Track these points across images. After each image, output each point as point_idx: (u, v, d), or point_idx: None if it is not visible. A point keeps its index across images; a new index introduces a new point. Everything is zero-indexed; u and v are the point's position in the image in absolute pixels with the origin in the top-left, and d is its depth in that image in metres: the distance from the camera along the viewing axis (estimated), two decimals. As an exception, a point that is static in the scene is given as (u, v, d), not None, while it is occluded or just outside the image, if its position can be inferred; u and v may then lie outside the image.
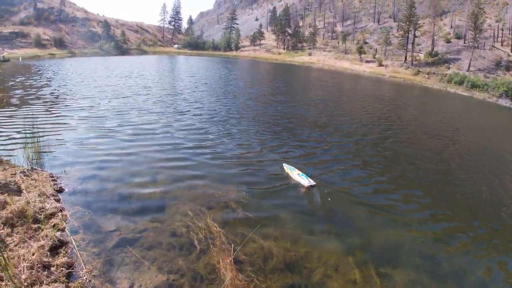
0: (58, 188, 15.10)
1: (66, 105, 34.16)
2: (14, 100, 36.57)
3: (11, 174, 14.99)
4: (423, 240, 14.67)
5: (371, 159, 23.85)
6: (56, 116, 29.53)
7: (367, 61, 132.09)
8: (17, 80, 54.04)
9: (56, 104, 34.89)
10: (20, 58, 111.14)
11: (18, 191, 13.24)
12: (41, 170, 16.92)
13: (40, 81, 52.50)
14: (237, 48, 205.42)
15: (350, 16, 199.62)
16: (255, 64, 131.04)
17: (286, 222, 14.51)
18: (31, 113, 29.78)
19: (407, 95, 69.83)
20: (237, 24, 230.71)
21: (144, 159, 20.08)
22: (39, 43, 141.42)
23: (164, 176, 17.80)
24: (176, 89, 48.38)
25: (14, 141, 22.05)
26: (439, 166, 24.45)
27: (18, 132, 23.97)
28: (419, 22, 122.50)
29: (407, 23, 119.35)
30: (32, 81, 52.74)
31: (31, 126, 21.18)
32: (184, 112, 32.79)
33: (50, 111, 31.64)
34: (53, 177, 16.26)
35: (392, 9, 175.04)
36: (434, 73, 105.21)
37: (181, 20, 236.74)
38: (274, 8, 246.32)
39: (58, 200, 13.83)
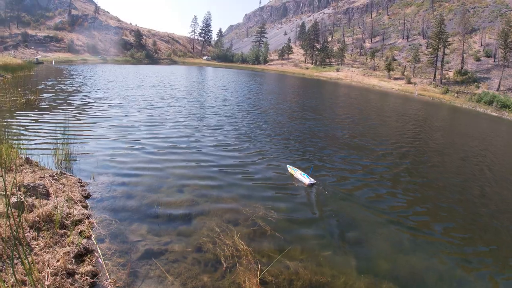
0: (86, 194, 15.00)
1: (97, 112, 34.48)
2: (45, 103, 37.37)
3: (40, 177, 14.96)
4: (454, 270, 13.84)
5: (406, 185, 22.60)
6: (86, 123, 29.74)
7: (396, 78, 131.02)
8: (50, 83, 55.84)
9: (86, 110, 35.33)
10: (53, 62, 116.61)
11: (46, 195, 13.13)
12: (70, 175, 16.86)
13: (72, 86, 53.93)
14: (265, 61, 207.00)
15: (379, 33, 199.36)
16: (283, 78, 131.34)
17: (312, 244, 13.90)
18: (61, 117, 30.31)
19: (437, 114, 68.16)
20: (266, 38, 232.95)
21: (172, 171, 19.78)
22: (72, 48, 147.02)
23: (191, 190, 17.48)
24: (208, 102, 48.14)
25: (44, 143, 22.25)
26: (476, 193, 23.04)
27: (48, 135, 24.23)
28: (448, 40, 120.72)
29: (437, 40, 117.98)
30: (64, 85, 54.30)
31: (61, 130, 21.30)
32: (214, 127, 32.27)
33: (80, 117, 31.99)
34: (81, 182, 16.18)
35: (421, 26, 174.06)
36: (463, 92, 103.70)
37: (211, 32, 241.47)
38: (303, 23, 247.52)
39: (85, 207, 13.68)
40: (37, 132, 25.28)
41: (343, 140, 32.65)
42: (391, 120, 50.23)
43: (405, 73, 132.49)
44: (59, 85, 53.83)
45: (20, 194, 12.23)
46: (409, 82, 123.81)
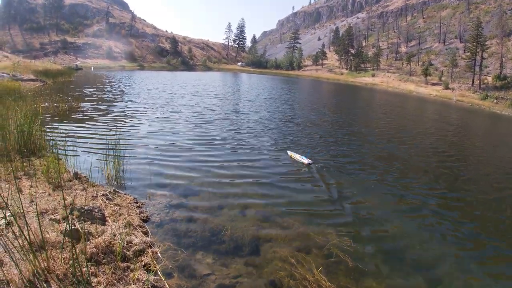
0: (145, 217, 13.41)
1: (144, 124, 33.13)
2: (88, 111, 36.96)
3: (92, 196, 13.57)
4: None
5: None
6: (133, 134, 28.46)
7: (433, 84, 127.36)
8: (90, 90, 56.80)
9: (132, 121, 34.15)
10: (92, 68, 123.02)
11: (102, 219, 11.52)
12: (124, 194, 15.35)
13: (114, 94, 54.23)
14: (299, 67, 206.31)
15: (415, 37, 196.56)
16: (319, 85, 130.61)
17: (397, 278, 12.33)
18: (106, 127, 29.55)
19: (483, 124, 64.38)
20: (300, 43, 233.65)
21: (232, 190, 17.99)
22: (110, 55, 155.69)
23: (254, 212, 15.73)
24: (258, 115, 44.26)
25: (90, 155, 21.16)
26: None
27: (95, 146, 23.30)
28: (486, 43, 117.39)
29: (474, 44, 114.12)
30: (105, 93, 54.82)
31: (107, 142, 20.04)
32: (271, 144, 29.19)
33: (126, 128, 30.73)
34: (137, 203, 14.63)
35: (457, 29, 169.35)
36: (503, 97, 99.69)
37: (245, 38, 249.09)
38: (337, 28, 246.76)
39: (145, 233, 11.95)
40: (82, 142, 24.28)
41: (413, 162, 28.19)
42: (450, 134, 45.10)
43: (443, 78, 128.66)
44: (100, 93, 54.25)
45: (73, 219, 10.88)
46: (447, 88, 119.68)
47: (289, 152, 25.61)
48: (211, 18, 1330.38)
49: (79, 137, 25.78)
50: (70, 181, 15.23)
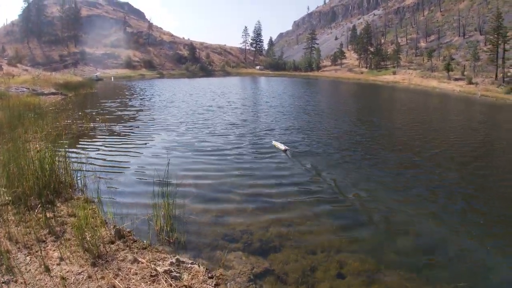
0: None
1: (184, 151, 26.18)
2: (115, 130, 33.29)
3: (151, 276, 9.34)
4: None
5: None
6: (177, 165, 21.98)
7: (456, 79, 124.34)
8: (112, 104, 53.94)
9: (171, 147, 27.16)
10: (112, 78, 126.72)
11: None
12: (190, 263, 10.44)
13: (137, 110, 50.15)
14: (318, 68, 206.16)
15: (434, 31, 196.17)
16: (342, 85, 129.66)
17: None
18: (141, 155, 24.93)
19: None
20: (317, 44, 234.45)
21: (316, 241, 13.06)
22: (129, 64, 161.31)
23: (355, 273, 11.14)
24: (318, 135, 34.83)
25: (132, 197, 16.32)
26: None
27: (134, 181, 19.18)
28: (508, 34, 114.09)
29: (495, 35, 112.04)
30: (128, 108, 51.31)
31: (150, 175, 16.72)
32: (345, 177, 21.55)
33: (167, 156, 21.73)
34: (212, 277, 9.97)
35: (476, 21, 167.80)
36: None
37: (262, 42, 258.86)
38: (354, 26, 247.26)
39: None
40: (115, 173, 20.29)
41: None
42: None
43: (465, 73, 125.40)
44: (123, 109, 50.44)
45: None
46: (470, 83, 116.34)
47: (274, 142, 28.96)
48: (226, 21, 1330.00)
49: (110, 167, 21.57)
50: (112, 242, 11.22)
